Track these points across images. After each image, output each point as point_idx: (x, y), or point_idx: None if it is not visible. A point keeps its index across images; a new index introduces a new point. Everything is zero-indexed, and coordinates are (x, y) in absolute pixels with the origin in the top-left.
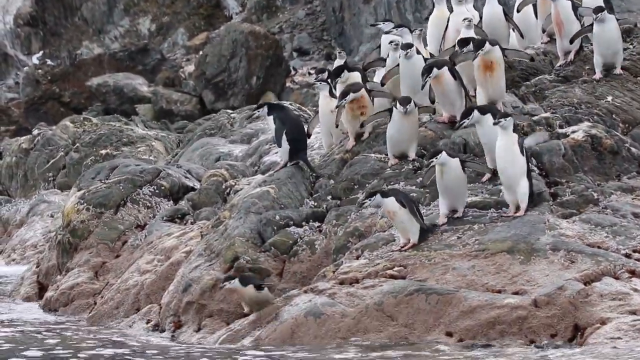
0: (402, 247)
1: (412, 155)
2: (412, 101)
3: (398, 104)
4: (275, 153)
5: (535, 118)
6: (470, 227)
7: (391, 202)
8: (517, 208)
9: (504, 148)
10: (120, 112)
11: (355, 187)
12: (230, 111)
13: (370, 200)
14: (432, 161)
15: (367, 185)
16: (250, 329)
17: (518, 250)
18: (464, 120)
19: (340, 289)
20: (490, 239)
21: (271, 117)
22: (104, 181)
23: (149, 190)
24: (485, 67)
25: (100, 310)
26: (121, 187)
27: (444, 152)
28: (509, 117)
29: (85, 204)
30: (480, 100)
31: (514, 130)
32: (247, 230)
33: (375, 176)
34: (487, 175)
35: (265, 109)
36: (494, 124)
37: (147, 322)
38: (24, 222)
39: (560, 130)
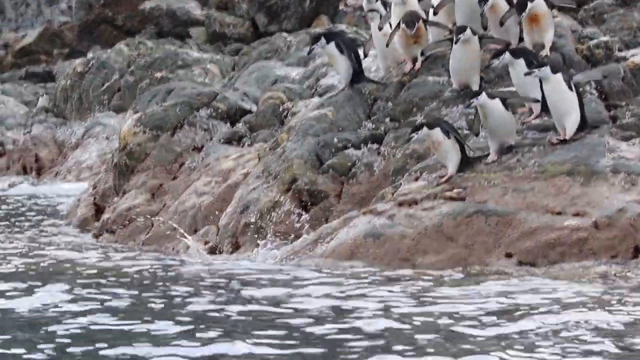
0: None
1: (474, 86)
2: (469, 29)
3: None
4: (333, 76)
5: (594, 42)
6: (529, 150)
7: (436, 133)
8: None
9: (552, 91)
10: (173, 35)
11: (414, 109)
12: (286, 34)
13: (417, 133)
14: (472, 102)
15: (425, 107)
16: (308, 249)
17: (578, 172)
18: (494, 60)
19: (399, 211)
20: (550, 161)
21: (332, 44)
22: (160, 104)
23: (206, 113)
24: (531, 20)
25: (157, 232)
26: (178, 110)
27: (483, 94)
28: (544, 67)
29: (142, 127)
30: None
31: (555, 72)
32: (305, 152)
33: (434, 99)
34: (535, 113)
35: (323, 40)
36: (526, 74)
37: (205, 244)
38: (79, 144)
39: (619, 54)
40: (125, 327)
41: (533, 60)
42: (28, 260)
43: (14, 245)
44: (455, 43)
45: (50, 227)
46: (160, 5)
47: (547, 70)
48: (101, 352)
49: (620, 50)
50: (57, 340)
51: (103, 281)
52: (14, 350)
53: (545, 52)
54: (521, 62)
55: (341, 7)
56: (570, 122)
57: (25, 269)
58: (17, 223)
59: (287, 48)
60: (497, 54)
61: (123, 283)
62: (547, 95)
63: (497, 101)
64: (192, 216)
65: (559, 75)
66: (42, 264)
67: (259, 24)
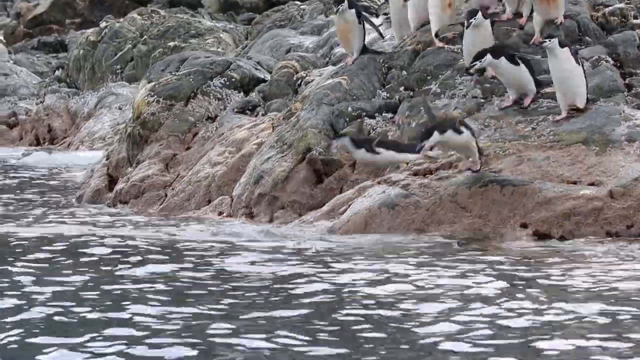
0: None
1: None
2: (480, 13)
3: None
4: None
5: (609, 9)
6: (544, 118)
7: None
8: (574, 109)
9: (559, 65)
10: (185, 4)
11: (428, 78)
12: (299, 2)
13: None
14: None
15: (440, 76)
16: (323, 220)
17: (593, 141)
18: (476, 62)
19: (413, 180)
20: (565, 129)
21: (353, 11)
22: (174, 73)
23: (220, 82)
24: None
25: (171, 202)
26: (191, 79)
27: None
28: (554, 38)
29: (155, 96)
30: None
31: (562, 45)
32: (320, 121)
33: (448, 67)
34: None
35: (346, 3)
36: (539, 43)
37: (219, 214)
38: (91, 114)
39: (634, 21)
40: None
41: (514, 55)
42: (43, 232)
43: (28, 215)
44: (467, 28)
45: (64, 197)
46: None
47: (555, 42)
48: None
49: (635, 17)
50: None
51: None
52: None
53: (560, 20)
54: (502, 61)
55: None
56: (580, 95)
57: (39, 242)
58: (32, 193)
59: (301, 16)
60: (478, 57)
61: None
62: (554, 69)
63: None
64: (205, 186)
65: (567, 50)
66: (58, 237)
67: None
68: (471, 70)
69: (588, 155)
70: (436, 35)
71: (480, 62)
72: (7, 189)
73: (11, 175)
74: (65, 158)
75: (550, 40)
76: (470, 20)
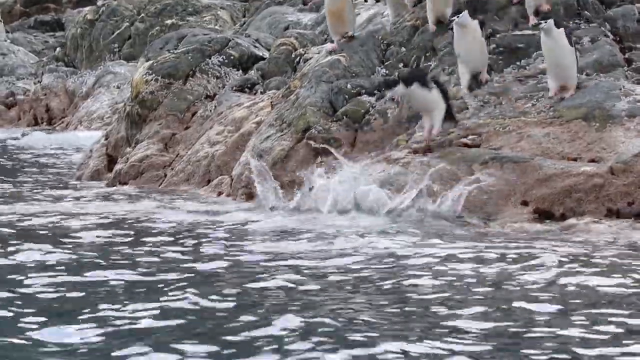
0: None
1: (483, 77)
2: (466, 12)
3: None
4: None
5: None
6: (544, 95)
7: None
8: (563, 88)
9: (553, 49)
10: None
11: (427, 54)
12: None
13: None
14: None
15: (439, 52)
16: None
17: (593, 117)
18: (387, 92)
19: (413, 158)
20: (565, 105)
21: None
22: (172, 51)
23: (218, 60)
24: None
25: (170, 182)
26: (190, 57)
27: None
28: (549, 19)
29: (153, 75)
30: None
31: (558, 26)
32: (319, 99)
33: (448, 43)
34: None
35: None
36: (536, 25)
37: (218, 195)
38: (90, 93)
39: None
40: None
41: (426, 81)
42: (47, 213)
43: (32, 196)
44: (450, 29)
45: (64, 177)
46: None
47: (551, 23)
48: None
49: None
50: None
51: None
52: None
53: (547, 7)
54: (415, 87)
55: None
56: (572, 77)
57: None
58: (30, 173)
59: None
60: (389, 85)
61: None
62: (548, 50)
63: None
64: (205, 166)
65: (562, 31)
66: (61, 217)
67: None
68: (387, 97)
69: (588, 132)
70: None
71: (392, 91)
72: (6, 169)
73: (10, 155)
74: (64, 138)
75: (546, 22)
76: (453, 18)
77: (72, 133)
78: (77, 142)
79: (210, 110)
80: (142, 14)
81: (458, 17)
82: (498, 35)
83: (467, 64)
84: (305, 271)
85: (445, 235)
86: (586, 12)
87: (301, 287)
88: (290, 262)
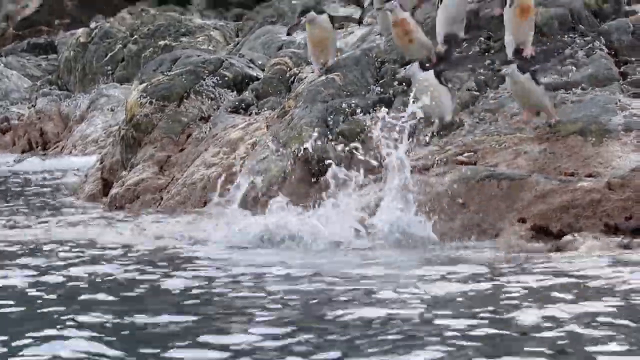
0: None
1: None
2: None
3: None
4: (339, 39)
5: None
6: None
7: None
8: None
9: (520, 91)
10: (174, 1)
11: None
12: None
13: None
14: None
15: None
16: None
17: (590, 131)
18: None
19: (410, 177)
20: (561, 120)
21: (325, 16)
22: (166, 73)
23: (212, 81)
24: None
25: (167, 205)
26: (184, 79)
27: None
28: (512, 64)
29: (148, 97)
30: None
31: (522, 71)
32: (314, 119)
33: (443, 59)
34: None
35: (312, 12)
36: (496, 70)
37: None
38: (84, 117)
39: (627, 8)
40: None
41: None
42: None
43: (25, 220)
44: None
45: (58, 203)
46: None
47: (513, 69)
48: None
49: (628, 3)
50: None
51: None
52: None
53: (528, 53)
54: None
55: None
56: (550, 107)
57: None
58: (27, 199)
59: (292, 12)
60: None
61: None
62: (515, 93)
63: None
64: (201, 188)
65: (527, 75)
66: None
67: None
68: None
69: (585, 146)
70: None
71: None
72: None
73: (4, 182)
74: (59, 163)
75: (509, 67)
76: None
77: (67, 158)
78: (72, 167)
79: (205, 132)
80: (135, 36)
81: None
82: (492, 51)
83: None
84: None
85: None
86: (580, 25)
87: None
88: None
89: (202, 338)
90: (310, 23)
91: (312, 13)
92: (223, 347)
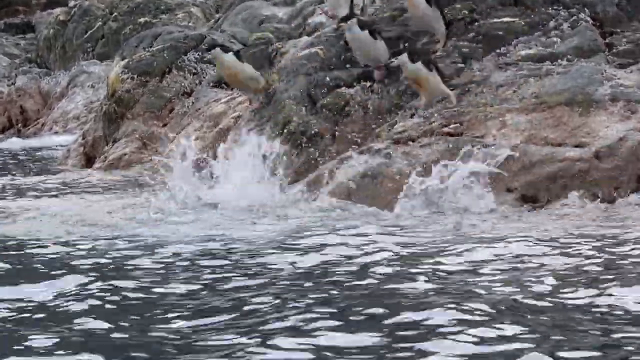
0: None
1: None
2: None
3: None
4: (320, 14)
5: None
6: (526, 81)
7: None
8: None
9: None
10: None
11: (405, 44)
12: None
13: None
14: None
15: (418, 43)
16: (305, 191)
17: (576, 102)
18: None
19: (395, 149)
20: (547, 91)
21: (231, 54)
22: (147, 49)
23: (194, 57)
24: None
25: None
26: (165, 55)
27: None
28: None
29: (129, 73)
30: None
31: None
32: (297, 92)
33: (426, 33)
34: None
35: (218, 49)
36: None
37: None
38: (64, 94)
39: None
40: None
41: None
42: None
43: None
44: None
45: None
46: None
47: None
48: None
49: None
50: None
51: None
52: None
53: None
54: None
55: None
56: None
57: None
58: (6, 174)
59: None
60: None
61: None
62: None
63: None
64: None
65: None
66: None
67: None
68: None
69: (572, 117)
70: None
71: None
72: None
73: None
74: (40, 142)
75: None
76: None
77: (48, 137)
78: (53, 145)
79: (188, 107)
80: (115, 13)
81: None
82: (476, 23)
83: None
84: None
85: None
86: None
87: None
88: None
89: None
90: (216, 60)
91: (217, 50)
92: None
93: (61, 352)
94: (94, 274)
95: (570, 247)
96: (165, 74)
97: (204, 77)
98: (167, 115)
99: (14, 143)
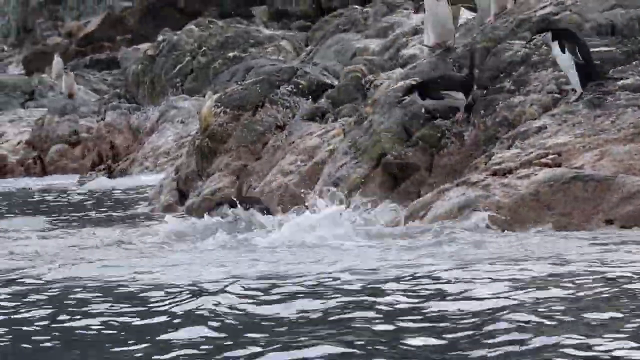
0: None
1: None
2: None
3: None
4: (413, 46)
5: None
6: (624, 111)
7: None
8: None
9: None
10: (236, 15)
11: (501, 75)
12: (358, 7)
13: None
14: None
15: (513, 73)
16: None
17: None
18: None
19: (493, 180)
20: None
21: None
22: (240, 83)
23: (287, 90)
24: None
25: None
26: (258, 88)
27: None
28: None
29: (222, 107)
30: None
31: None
32: (393, 125)
33: (521, 64)
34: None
35: None
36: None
37: None
38: (154, 129)
39: None
40: None
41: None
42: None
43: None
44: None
45: (137, 216)
46: None
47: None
48: None
49: None
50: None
51: None
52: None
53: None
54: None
55: None
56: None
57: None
58: (103, 216)
59: (365, 19)
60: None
61: None
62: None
63: None
64: (279, 196)
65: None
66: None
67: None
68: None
69: None
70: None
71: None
72: (70, 209)
73: (79, 201)
74: (127, 182)
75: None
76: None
77: (136, 177)
78: (142, 185)
79: (281, 141)
80: (204, 48)
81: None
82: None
83: None
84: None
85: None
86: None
87: None
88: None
89: None
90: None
91: None
92: None
93: None
94: None
95: None
96: (258, 108)
97: (297, 111)
98: (261, 149)
99: (102, 183)
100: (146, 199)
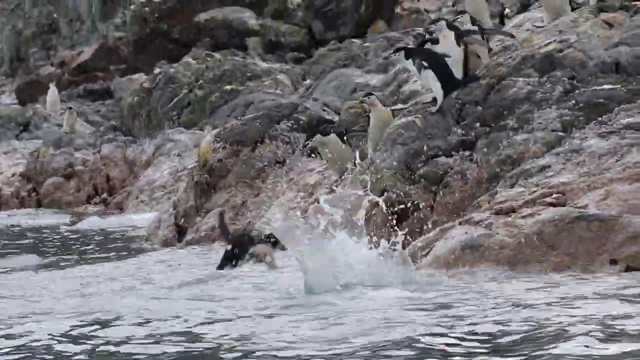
0: None
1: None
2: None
3: None
4: (415, 81)
5: None
6: (628, 150)
7: None
8: None
9: None
10: (230, 46)
11: (504, 112)
12: (357, 40)
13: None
14: None
15: (516, 110)
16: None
17: None
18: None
19: (496, 219)
20: None
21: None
22: (239, 118)
23: (287, 125)
24: None
25: None
26: (258, 123)
27: None
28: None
29: (222, 142)
30: None
31: None
32: (395, 162)
33: (525, 101)
34: None
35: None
36: None
37: None
38: (150, 162)
39: None
40: None
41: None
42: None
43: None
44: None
45: (136, 251)
46: (215, 16)
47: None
48: None
49: None
50: None
51: None
52: None
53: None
54: None
55: (397, 10)
56: None
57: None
58: (99, 253)
59: (365, 54)
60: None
61: None
62: None
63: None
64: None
65: None
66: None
67: (315, 31)
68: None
69: None
70: None
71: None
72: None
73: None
74: (119, 221)
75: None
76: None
77: (128, 216)
78: (133, 224)
79: (281, 177)
80: (201, 81)
81: None
82: (577, 91)
83: None
84: None
85: None
86: None
87: None
88: None
89: None
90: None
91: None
92: None
93: None
94: None
95: None
96: (257, 143)
97: (297, 146)
98: (260, 185)
99: (93, 224)
100: (140, 237)
